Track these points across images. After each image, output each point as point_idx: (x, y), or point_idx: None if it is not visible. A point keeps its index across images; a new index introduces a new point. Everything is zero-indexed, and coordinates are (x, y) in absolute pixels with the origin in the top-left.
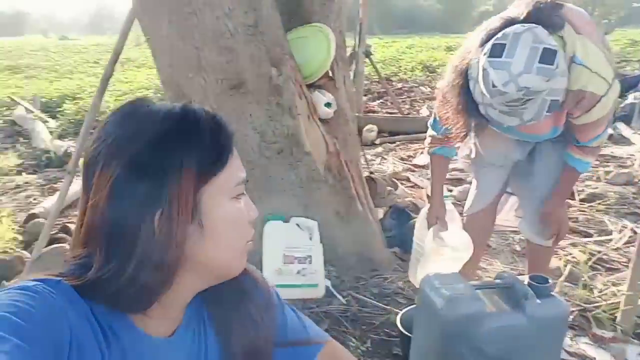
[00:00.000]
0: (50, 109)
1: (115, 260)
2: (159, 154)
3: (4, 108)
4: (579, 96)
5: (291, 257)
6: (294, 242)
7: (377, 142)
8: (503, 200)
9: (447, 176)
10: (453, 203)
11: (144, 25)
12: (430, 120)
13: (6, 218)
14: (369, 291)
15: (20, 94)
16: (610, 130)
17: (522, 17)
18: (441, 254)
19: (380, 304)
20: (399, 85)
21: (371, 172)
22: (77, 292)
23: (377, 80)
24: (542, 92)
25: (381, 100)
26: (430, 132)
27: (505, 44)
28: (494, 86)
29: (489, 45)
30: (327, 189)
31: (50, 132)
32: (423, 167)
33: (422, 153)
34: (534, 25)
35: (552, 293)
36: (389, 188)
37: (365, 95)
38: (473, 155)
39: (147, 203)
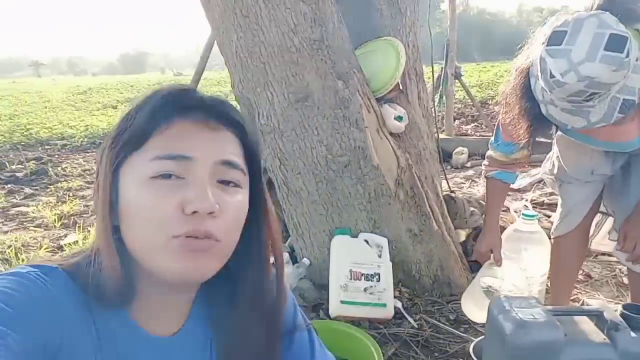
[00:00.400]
0: None
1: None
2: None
3: None
4: None
5: (358, 274)
6: (361, 258)
7: (468, 164)
8: (600, 222)
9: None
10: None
11: (219, 42)
12: (492, 139)
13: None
14: (444, 316)
15: None
16: None
17: (591, 7)
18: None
19: (456, 331)
20: (496, 108)
21: (452, 191)
22: (75, 281)
23: (471, 104)
24: (609, 85)
25: (475, 124)
26: (489, 152)
27: (567, 31)
28: (552, 76)
29: (548, 33)
30: (398, 205)
31: None
32: (518, 190)
33: (517, 176)
34: (600, 11)
35: None
36: (472, 209)
37: (458, 119)
38: (556, 171)
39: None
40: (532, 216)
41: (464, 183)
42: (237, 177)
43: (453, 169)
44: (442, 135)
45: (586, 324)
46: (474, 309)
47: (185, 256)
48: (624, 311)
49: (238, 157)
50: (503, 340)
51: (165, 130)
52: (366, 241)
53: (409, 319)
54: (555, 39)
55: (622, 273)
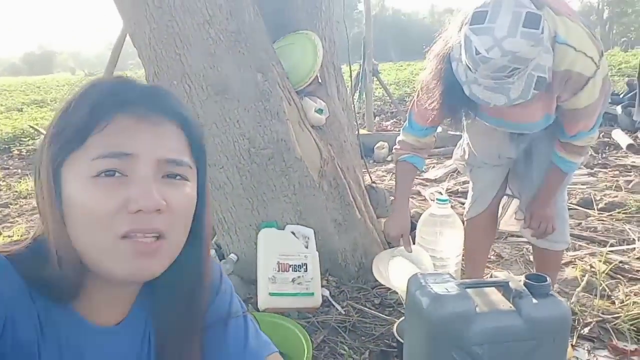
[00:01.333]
0: None
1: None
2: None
3: (28, 138)
4: (565, 77)
5: (285, 265)
6: (288, 249)
7: (389, 158)
8: (506, 204)
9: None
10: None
11: (131, 34)
12: (405, 124)
13: (18, 238)
14: (370, 301)
15: (44, 124)
16: (596, 134)
17: None
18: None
19: (381, 315)
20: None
21: (372, 181)
22: (17, 270)
23: (390, 101)
24: (528, 60)
25: (394, 120)
26: (401, 137)
27: (487, 11)
28: (477, 53)
29: (469, 14)
30: (322, 196)
31: None
32: (434, 181)
33: (433, 167)
34: None
35: (551, 293)
36: (392, 198)
37: (378, 115)
38: (467, 157)
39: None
40: (445, 200)
41: (386, 176)
42: (183, 172)
43: (375, 163)
44: (363, 131)
45: (494, 295)
46: (381, 271)
47: (134, 259)
48: (527, 281)
49: (183, 151)
50: (420, 314)
51: (105, 127)
52: (293, 233)
53: (336, 306)
54: (478, 18)
55: (529, 252)
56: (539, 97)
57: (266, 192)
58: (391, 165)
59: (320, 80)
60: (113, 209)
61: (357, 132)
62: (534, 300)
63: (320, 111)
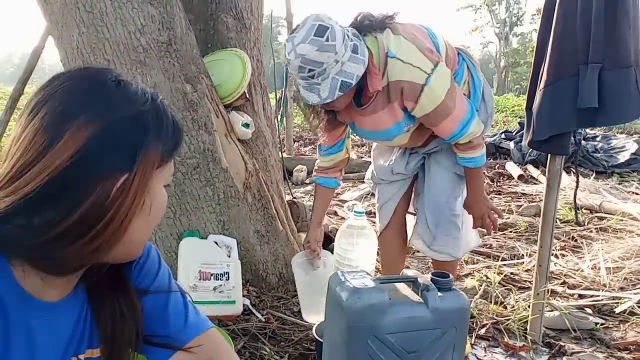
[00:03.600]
0: None
1: (43, 217)
2: (136, 128)
3: None
4: (398, 86)
5: (207, 274)
6: (210, 258)
7: (307, 181)
8: (415, 223)
9: None
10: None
11: (57, 37)
12: (317, 149)
13: None
14: (289, 309)
15: None
16: (478, 125)
17: (355, 19)
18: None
19: (300, 322)
20: None
21: (294, 197)
22: None
23: (309, 128)
24: (319, 63)
25: (312, 146)
26: (317, 161)
27: (299, 25)
28: (287, 57)
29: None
30: (246, 208)
31: None
32: (349, 202)
33: (348, 190)
34: (321, 12)
35: (453, 287)
36: (311, 213)
37: (297, 141)
38: (370, 175)
39: (114, 169)
40: (361, 212)
41: (304, 197)
42: None
43: (294, 185)
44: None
45: (405, 289)
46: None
47: None
48: (433, 277)
49: None
50: (340, 307)
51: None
52: (215, 242)
53: (257, 314)
54: (292, 31)
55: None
56: (382, 108)
57: (190, 202)
58: (309, 187)
59: (247, 97)
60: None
61: (281, 151)
62: (439, 294)
63: (246, 125)
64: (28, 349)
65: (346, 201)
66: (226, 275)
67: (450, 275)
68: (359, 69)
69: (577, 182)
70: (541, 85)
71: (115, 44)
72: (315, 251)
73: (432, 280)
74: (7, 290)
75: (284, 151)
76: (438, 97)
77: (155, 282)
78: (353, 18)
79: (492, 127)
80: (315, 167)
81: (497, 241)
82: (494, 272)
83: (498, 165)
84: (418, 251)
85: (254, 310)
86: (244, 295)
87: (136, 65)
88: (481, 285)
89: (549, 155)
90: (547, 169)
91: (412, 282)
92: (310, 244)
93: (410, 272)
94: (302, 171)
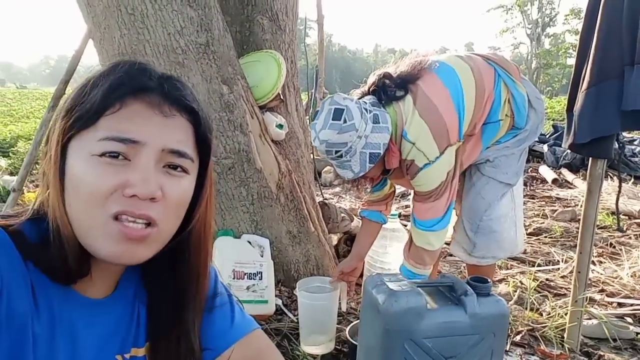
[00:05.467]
0: (2, 149)
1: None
2: (69, 98)
3: None
4: (407, 163)
5: (241, 273)
6: (244, 257)
7: (336, 182)
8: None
9: None
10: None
11: (98, 39)
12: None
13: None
14: None
15: None
16: (440, 235)
17: (366, 89)
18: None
19: None
20: None
21: (325, 199)
22: (13, 240)
23: None
24: (342, 144)
25: None
26: (365, 196)
27: (318, 110)
28: (313, 143)
29: None
30: (279, 208)
31: (1, 169)
32: None
33: None
34: (337, 93)
35: (492, 293)
36: (343, 215)
37: None
38: None
39: (45, 143)
40: (394, 215)
41: (332, 198)
42: (184, 164)
43: (323, 186)
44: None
45: (442, 293)
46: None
47: (121, 243)
48: (471, 281)
49: (188, 145)
50: (377, 310)
51: (118, 110)
52: (249, 242)
53: (289, 314)
54: (313, 117)
55: (465, 269)
56: (403, 176)
57: (224, 201)
58: (337, 189)
59: (282, 98)
60: (110, 188)
61: (312, 152)
62: (477, 299)
63: (280, 126)
64: (71, 342)
65: None
66: (259, 275)
67: (489, 280)
68: (384, 137)
69: (620, 186)
70: (583, 86)
71: (155, 45)
72: (342, 282)
73: (470, 284)
74: (53, 285)
75: (314, 152)
76: (430, 182)
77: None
78: (372, 82)
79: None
80: (362, 202)
81: (531, 246)
82: (529, 278)
83: (531, 168)
84: (451, 255)
85: (286, 310)
86: (276, 296)
87: (175, 67)
88: (515, 291)
89: (590, 159)
90: (587, 173)
91: (450, 287)
92: (343, 274)
93: (446, 276)
94: (330, 172)
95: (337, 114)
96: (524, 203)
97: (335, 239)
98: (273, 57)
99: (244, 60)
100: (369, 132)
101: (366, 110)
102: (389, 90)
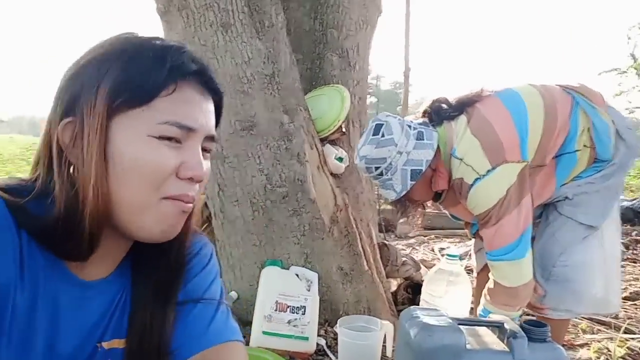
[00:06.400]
0: None
1: (45, 178)
2: (90, 69)
3: None
4: (458, 182)
5: (284, 305)
6: (289, 290)
7: (411, 234)
8: None
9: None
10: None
11: None
12: None
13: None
14: None
15: None
16: (513, 281)
17: (420, 112)
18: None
19: None
20: None
21: (385, 239)
22: (10, 210)
23: None
24: (380, 160)
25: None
26: None
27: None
28: (356, 164)
29: None
30: (331, 242)
31: None
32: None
33: (455, 245)
34: (384, 112)
35: (549, 339)
36: (404, 259)
37: None
38: None
39: (63, 111)
40: (455, 256)
41: (405, 250)
42: (212, 147)
43: (397, 238)
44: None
45: (488, 334)
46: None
47: (174, 218)
48: (524, 324)
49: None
50: (409, 345)
51: (172, 93)
52: (297, 275)
53: (331, 356)
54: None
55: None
56: (457, 203)
57: (276, 231)
58: (412, 241)
59: (344, 131)
60: (170, 170)
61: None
62: (529, 344)
63: (340, 159)
64: (52, 321)
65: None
66: (302, 310)
67: (548, 325)
68: (427, 154)
69: None
70: None
71: (223, 74)
72: (389, 323)
73: (522, 327)
74: (44, 257)
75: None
76: (484, 200)
77: (195, 279)
78: (426, 106)
79: (631, 191)
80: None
81: (625, 311)
82: (617, 345)
83: (636, 232)
84: None
85: (328, 352)
86: (320, 335)
87: (239, 95)
88: (599, 358)
89: None
90: None
91: (498, 327)
92: None
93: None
94: (406, 223)
95: (376, 129)
96: (624, 266)
97: (394, 284)
98: (338, 91)
99: (310, 95)
100: (410, 148)
101: (409, 127)
102: (443, 111)
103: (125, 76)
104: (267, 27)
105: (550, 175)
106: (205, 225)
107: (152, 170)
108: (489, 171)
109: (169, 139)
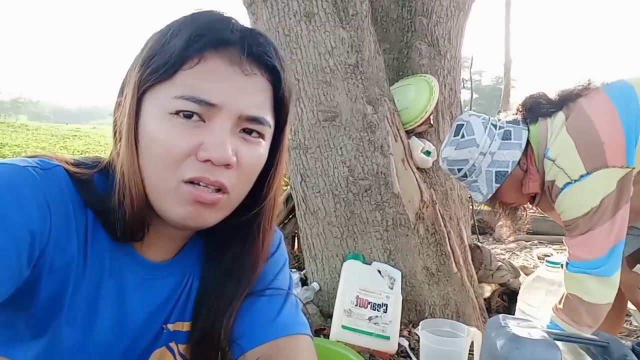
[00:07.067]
0: None
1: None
2: (142, 48)
3: None
4: (548, 185)
5: (364, 301)
6: (370, 286)
7: (511, 238)
8: None
9: None
10: None
11: None
12: None
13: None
14: None
15: None
16: (597, 298)
17: (515, 109)
18: None
19: None
20: None
21: (479, 242)
22: (78, 188)
23: None
24: (461, 161)
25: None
26: None
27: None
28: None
29: None
30: (416, 239)
31: None
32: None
33: (558, 253)
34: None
35: None
36: (499, 263)
37: None
38: None
39: (119, 90)
40: (557, 264)
41: (504, 254)
42: (261, 131)
43: (495, 242)
44: (487, 207)
45: (590, 353)
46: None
47: (191, 206)
48: (636, 347)
49: (266, 108)
50: (494, 357)
51: (196, 65)
52: (379, 271)
53: (414, 358)
54: None
55: None
56: (552, 208)
57: (358, 224)
58: (512, 245)
59: (432, 123)
60: (184, 151)
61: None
62: None
63: (427, 153)
64: (118, 299)
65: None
66: (384, 307)
67: None
68: (513, 155)
69: None
70: None
71: (306, 64)
72: (477, 330)
73: (634, 350)
74: (110, 237)
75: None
76: (573, 210)
77: (263, 274)
78: (522, 102)
79: None
80: None
81: None
82: None
83: None
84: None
85: (411, 354)
86: (403, 336)
87: (322, 85)
88: None
89: None
90: None
91: (603, 347)
92: None
93: (601, 334)
94: (504, 227)
95: (457, 129)
96: None
97: (488, 290)
98: (426, 81)
99: (397, 85)
100: (495, 149)
101: (495, 126)
102: (541, 107)
103: (155, 49)
104: (352, 15)
105: None
106: (290, 216)
107: (165, 149)
108: (582, 176)
109: (188, 115)
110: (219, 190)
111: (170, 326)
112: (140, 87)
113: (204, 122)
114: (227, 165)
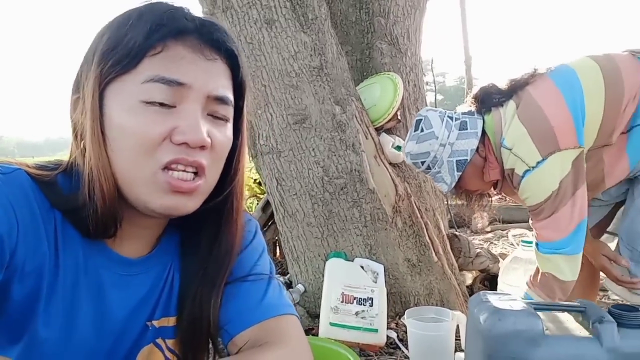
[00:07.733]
0: None
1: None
2: (93, 40)
3: None
4: (508, 173)
5: (350, 297)
6: (354, 282)
7: (488, 229)
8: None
9: None
10: None
11: None
12: None
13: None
14: None
15: None
16: (568, 275)
17: (469, 100)
18: None
19: None
20: None
21: (457, 230)
22: (42, 190)
23: None
24: (423, 154)
25: (500, 197)
26: None
27: None
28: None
29: None
30: (395, 232)
31: None
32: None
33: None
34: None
35: None
36: (478, 250)
37: None
38: None
39: (73, 87)
40: (531, 243)
41: (482, 244)
42: (227, 113)
43: (472, 233)
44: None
45: (569, 320)
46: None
47: (169, 195)
48: (613, 309)
49: (229, 91)
50: (477, 331)
51: (160, 52)
52: (362, 267)
53: (403, 349)
54: None
55: None
56: (513, 187)
57: (337, 223)
58: (489, 235)
59: (399, 118)
60: (159, 137)
61: (446, 201)
62: (620, 330)
63: (398, 148)
64: (97, 298)
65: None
66: (370, 301)
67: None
68: (471, 143)
69: None
70: None
71: (271, 70)
72: (461, 314)
73: (610, 312)
74: (82, 236)
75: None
76: (535, 196)
77: (242, 256)
78: (474, 93)
79: None
80: None
81: None
82: None
83: None
84: (604, 290)
85: (400, 345)
86: (391, 328)
87: (289, 89)
88: None
89: None
90: None
91: (581, 312)
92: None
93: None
94: (479, 217)
95: (417, 124)
96: None
97: (470, 277)
98: (390, 78)
99: (362, 84)
100: (453, 140)
101: (451, 118)
102: (492, 97)
103: (114, 40)
104: (311, 19)
105: (621, 152)
106: (270, 223)
107: (138, 138)
108: (539, 162)
109: (160, 104)
110: (196, 173)
111: (155, 322)
112: (102, 81)
113: (174, 107)
114: (202, 147)
